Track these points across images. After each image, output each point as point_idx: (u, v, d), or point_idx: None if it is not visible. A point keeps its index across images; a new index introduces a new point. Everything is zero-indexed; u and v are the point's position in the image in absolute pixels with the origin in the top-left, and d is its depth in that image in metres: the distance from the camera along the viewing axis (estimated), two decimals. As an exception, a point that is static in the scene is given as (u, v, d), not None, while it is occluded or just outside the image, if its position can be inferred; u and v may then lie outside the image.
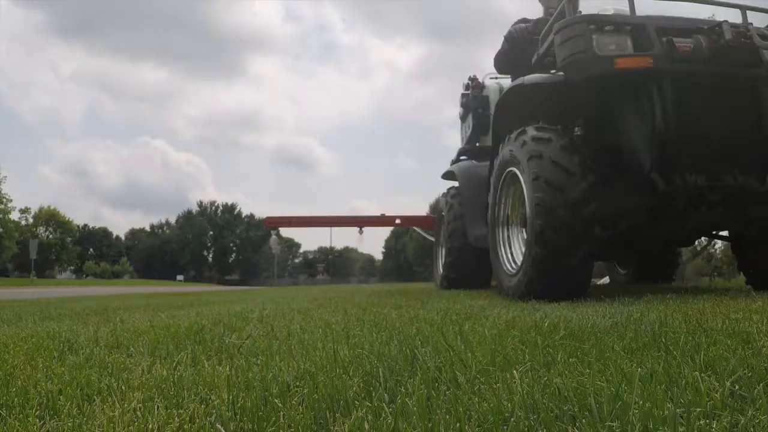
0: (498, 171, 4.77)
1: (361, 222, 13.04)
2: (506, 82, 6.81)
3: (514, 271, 4.50)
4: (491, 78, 7.41)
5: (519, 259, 4.54)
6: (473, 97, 7.29)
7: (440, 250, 8.12)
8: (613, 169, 4.18)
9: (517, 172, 4.35)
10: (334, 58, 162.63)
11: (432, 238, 9.50)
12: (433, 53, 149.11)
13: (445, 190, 7.81)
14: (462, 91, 7.65)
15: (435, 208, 60.70)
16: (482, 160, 6.63)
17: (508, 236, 4.84)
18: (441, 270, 7.77)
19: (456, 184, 7.49)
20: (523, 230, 4.55)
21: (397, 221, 12.99)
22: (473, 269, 6.86)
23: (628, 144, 4.16)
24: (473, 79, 7.47)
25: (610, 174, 4.10)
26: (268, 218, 13.17)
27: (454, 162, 7.80)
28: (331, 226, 14.49)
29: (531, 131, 4.24)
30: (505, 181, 4.74)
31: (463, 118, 7.82)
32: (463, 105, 7.65)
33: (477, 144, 7.40)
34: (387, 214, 13.27)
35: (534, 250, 3.99)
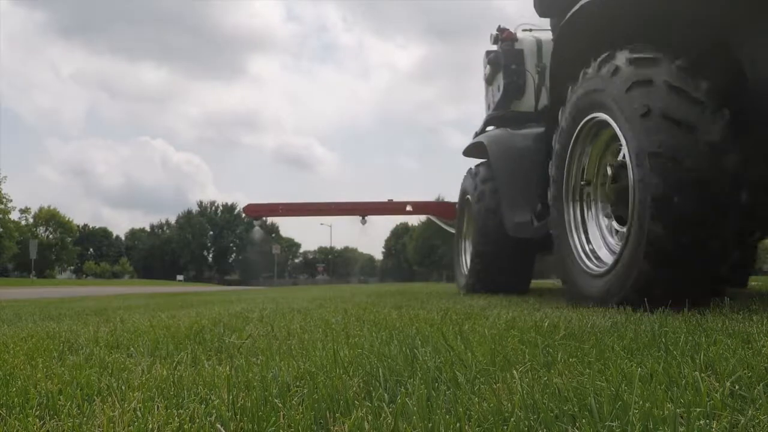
0: (568, 125, 3.48)
1: (363, 209, 10.57)
2: (544, 35, 5.66)
3: (600, 269, 3.26)
4: (524, 30, 6.00)
5: (605, 249, 3.35)
6: (504, 52, 5.83)
7: (464, 243, 6.75)
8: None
9: (606, 117, 3.11)
10: (334, 58, 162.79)
11: (452, 230, 8.11)
12: (433, 53, 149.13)
13: (470, 169, 6.36)
14: (489, 47, 6.25)
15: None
16: (517, 128, 5.51)
17: (583, 217, 3.52)
18: (466, 269, 6.36)
19: (481, 161, 6.24)
20: (609, 207, 3.40)
21: (408, 208, 10.55)
22: (510, 267, 5.65)
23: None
24: (502, 30, 6.01)
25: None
26: (249, 206, 10.74)
27: (479, 133, 6.35)
28: (326, 214, 11.69)
29: (624, 54, 3.06)
30: (579, 138, 3.44)
31: (489, 80, 6.38)
32: (490, 62, 6.13)
33: (508, 110, 5.95)
34: (384, 215, 11.40)
35: (650, 229, 2.71)
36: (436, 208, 10.99)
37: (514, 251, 5.48)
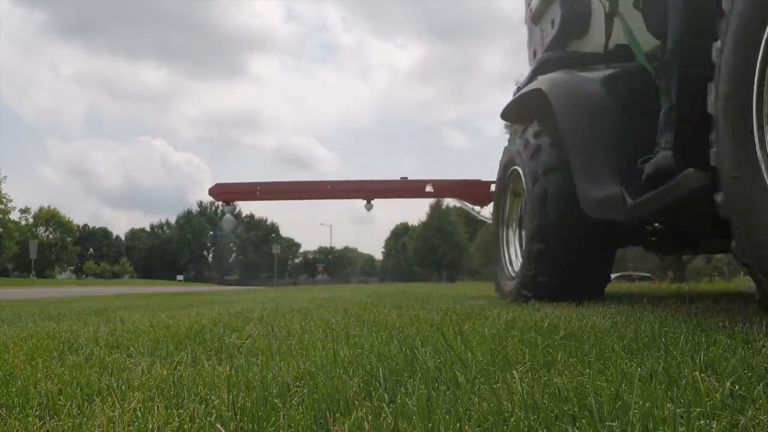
0: (744, 34, 2.22)
1: (369, 190, 8.26)
2: None
3: None
4: None
5: None
6: None
7: (507, 234, 5.14)
8: None
9: None
10: (334, 58, 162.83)
11: (485, 217, 6.87)
12: (433, 53, 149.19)
13: (518, 134, 4.85)
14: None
15: (435, 207, 60.84)
16: (585, 72, 4.02)
17: None
18: (514, 269, 4.86)
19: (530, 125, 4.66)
20: None
21: (428, 188, 8.16)
22: (583, 264, 4.10)
23: None
24: None
25: None
26: (217, 187, 8.45)
27: (527, 82, 4.78)
28: (319, 197, 8.99)
29: None
30: None
31: (536, 17, 5.17)
32: None
33: (567, 50, 4.67)
34: (396, 198, 9.09)
35: None
36: (464, 189, 8.21)
37: (591, 242, 4.03)
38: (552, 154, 4.19)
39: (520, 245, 4.88)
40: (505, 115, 5.31)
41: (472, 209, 8.20)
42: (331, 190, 8.54)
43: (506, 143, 5.05)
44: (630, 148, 3.41)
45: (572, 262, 4.08)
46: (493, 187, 6.58)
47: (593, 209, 3.59)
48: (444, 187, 8.48)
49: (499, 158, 5.19)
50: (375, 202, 8.16)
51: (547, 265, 4.11)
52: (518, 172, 4.63)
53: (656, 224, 4.03)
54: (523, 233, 4.67)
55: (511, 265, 4.98)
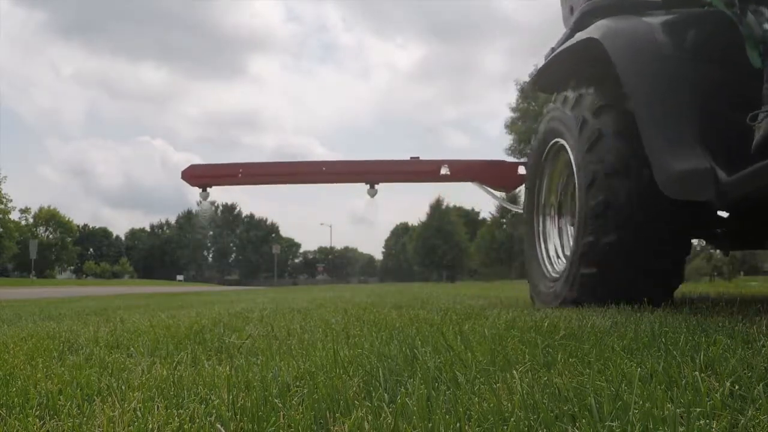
0: None
1: (373, 172, 6.78)
2: None
3: None
4: None
5: None
6: None
7: (545, 225, 4.20)
8: None
9: None
10: (334, 58, 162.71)
11: (515, 207, 6.13)
12: (433, 53, 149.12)
13: (561, 99, 3.83)
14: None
15: (435, 207, 60.81)
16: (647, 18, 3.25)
17: None
18: (554, 269, 3.97)
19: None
20: None
21: (444, 171, 6.68)
22: (659, 259, 3.26)
23: None
24: None
25: None
26: (191, 168, 6.97)
27: (565, 40, 3.92)
28: (313, 181, 7.41)
29: None
30: None
31: None
32: None
33: None
34: (406, 182, 7.67)
35: None
36: (485, 171, 6.79)
37: (667, 232, 3.21)
38: (617, 120, 3.30)
39: (565, 237, 4.04)
40: (539, 81, 4.39)
41: (496, 195, 6.83)
42: (327, 172, 7.02)
43: (548, 109, 4.05)
44: (719, 109, 2.80)
45: (649, 258, 3.24)
46: (521, 169, 5.91)
47: (675, 189, 2.85)
48: (462, 169, 6.86)
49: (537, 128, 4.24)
50: (380, 187, 6.63)
51: (602, 260, 3.25)
52: (563, 147, 3.76)
53: (737, 210, 3.29)
54: (567, 221, 4.00)
55: (551, 263, 4.03)
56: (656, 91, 2.98)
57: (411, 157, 6.86)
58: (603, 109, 3.39)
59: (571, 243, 3.70)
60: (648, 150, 2.94)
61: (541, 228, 4.23)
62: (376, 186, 6.60)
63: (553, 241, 4.14)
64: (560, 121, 3.76)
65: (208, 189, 6.89)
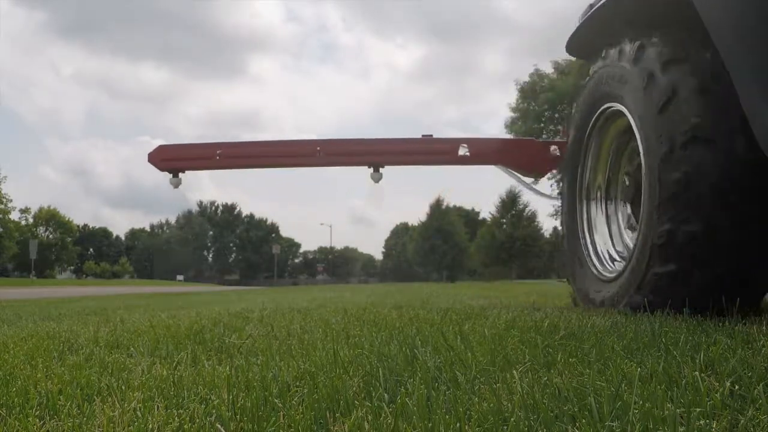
0: None
1: (377, 153, 5.71)
2: None
3: None
4: None
5: None
6: None
7: (590, 212, 3.53)
8: None
9: None
10: (334, 58, 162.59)
11: (549, 195, 5.39)
12: (433, 53, 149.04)
13: (615, 52, 3.14)
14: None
15: (435, 207, 60.84)
16: None
17: None
18: (608, 265, 3.34)
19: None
20: None
21: (463, 151, 5.58)
22: (750, 252, 2.62)
23: None
24: None
25: None
26: (160, 150, 5.82)
27: None
28: (307, 164, 6.32)
29: None
30: None
31: None
32: None
33: None
34: (416, 165, 6.24)
35: None
36: (511, 152, 5.67)
37: (763, 214, 2.56)
38: (703, 107, 2.61)
39: (615, 227, 3.42)
40: (577, 40, 3.62)
41: (523, 180, 5.75)
42: (324, 153, 5.70)
43: (594, 69, 3.38)
44: None
45: (747, 250, 2.60)
46: (553, 149, 5.13)
47: None
48: (484, 150, 5.71)
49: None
50: (386, 172, 5.56)
51: (701, 257, 2.60)
52: (617, 113, 3.16)
53: None
54: (619, 206, 3.41)
55: (599, 260, 3.37)
56: (758, 29, 2.31)
57: (423, 135, 5.71)
58: (675, 61, 2.75)
59: (628, 234, 3.16)
60: (746, 106, 2.30)
61: (585, 217, 3.51)
62: (381, 169, 5.52)
63: (602, 232, 3.44)
64: (615, 80, 3.07)
65: (180, 174, 5.75)
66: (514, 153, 5.64)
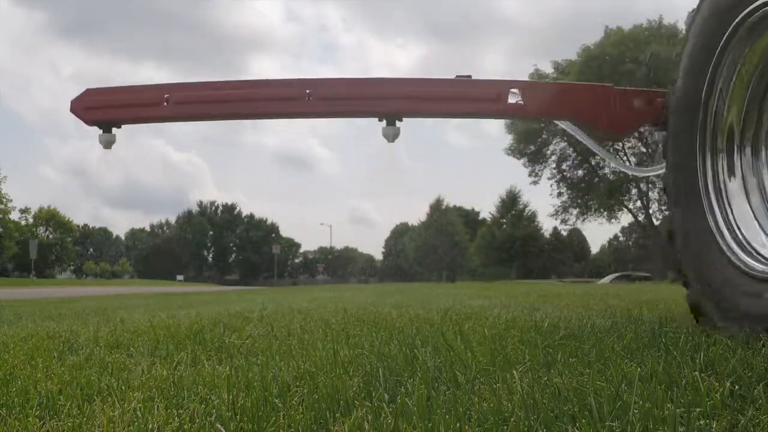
0: None
1: (392, 97, 3.67)
2: None
3: None
4: None
5: None
6: None
7: (721, 176, 2.32)
8: None
9: None
10: (334, 58, 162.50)
11: (639, 171, 4.45)
12: (433, 53, 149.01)
13: None
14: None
15: (435, 207, 60.74)
16: None
17: None
18: (761, 253, 2.07)
19: None
20: None
21: (514, 98, 3.36)
22: None
23: None
24: None
25: None
26: (86, 94, 3.79)
27: None
28: (294, 114, 4.03)
29: None
30: None
31: None
32: None
33: None
34: (447, 117, 5.07)
35: None
36: (582, 100, 3.64)
37: None
38: None
39: None
40: None
41: (595, 143, 3.74)
42: (316, 98, 3.74)
43: None
44: None
45: None
46: (638, 103, 3.36)
47: None
48: (542, 97, 3.82)
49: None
50: (404, 126, 3.80)
51: None
52: None
53: None
54: None
55: (748, 245, 2.16)
56: None
57: (457, 76, 3.89)
58: None
59: None
60: None
61: (716, 181, 2.35)
62: (399, 123, 3.76)
63: (748, 202, 2.29)
64: None
65: (114, 129, 4.01)
66: (585, 102, 3.75)
